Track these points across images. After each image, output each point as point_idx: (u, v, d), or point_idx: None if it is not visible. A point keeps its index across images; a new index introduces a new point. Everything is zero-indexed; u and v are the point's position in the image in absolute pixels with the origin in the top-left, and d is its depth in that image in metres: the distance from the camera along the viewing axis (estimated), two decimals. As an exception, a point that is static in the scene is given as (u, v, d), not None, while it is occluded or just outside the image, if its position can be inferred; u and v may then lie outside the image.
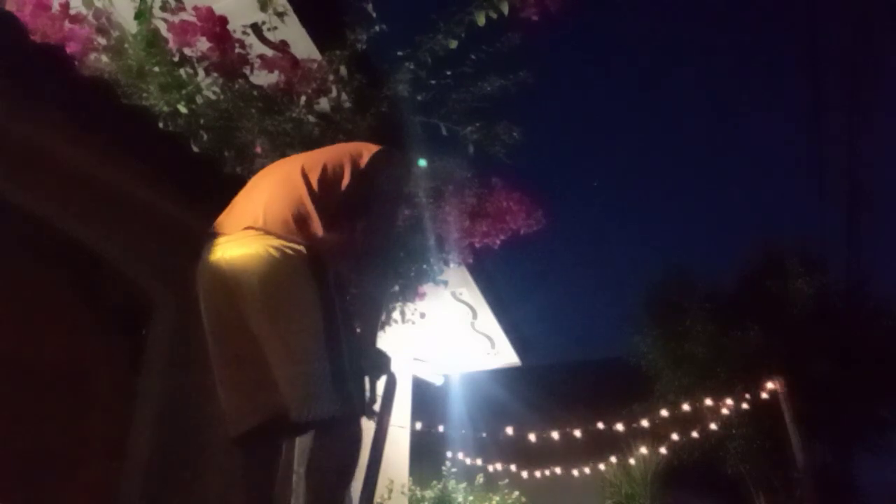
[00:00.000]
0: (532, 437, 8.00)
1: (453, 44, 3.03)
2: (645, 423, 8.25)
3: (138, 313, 2.42)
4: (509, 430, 8.02)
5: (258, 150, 2.80)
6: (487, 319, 6.37)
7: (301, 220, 1.71)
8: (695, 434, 8.55)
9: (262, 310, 1.65)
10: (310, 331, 1.62)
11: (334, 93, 3.01)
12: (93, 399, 2.21)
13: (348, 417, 1.64)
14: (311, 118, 2.97)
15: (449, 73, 3.16)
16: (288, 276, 1.65)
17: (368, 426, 1.77)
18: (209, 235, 1.80)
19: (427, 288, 3.71)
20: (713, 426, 8.47)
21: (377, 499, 3.76)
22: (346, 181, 1.84)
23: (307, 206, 1.74)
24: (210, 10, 2.65)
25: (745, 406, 8.00)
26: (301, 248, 1.67)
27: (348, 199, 1.84)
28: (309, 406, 1.58)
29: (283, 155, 2.56)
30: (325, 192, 1.80)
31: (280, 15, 2.94)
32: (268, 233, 1.68)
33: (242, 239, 1.69)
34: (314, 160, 1.89)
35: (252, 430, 1.72)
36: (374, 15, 3.08)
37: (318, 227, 1.73)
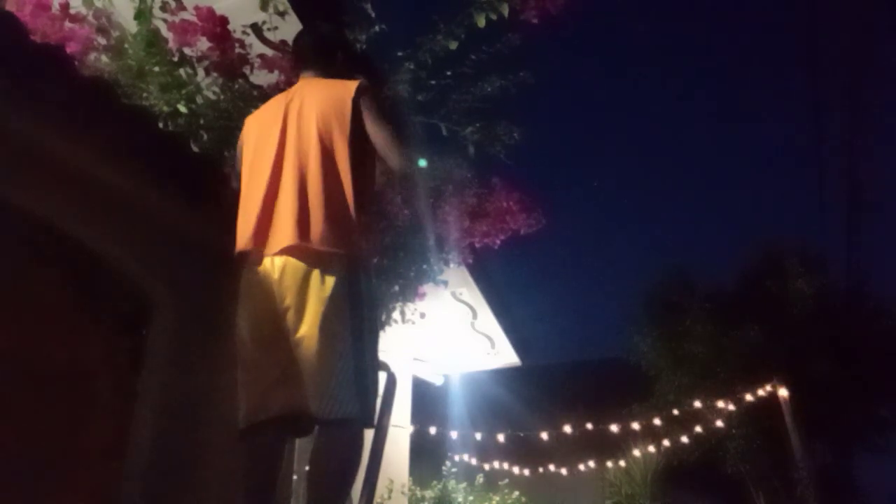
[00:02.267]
0: (532, 437, 8.01)
1: (453, 44, 3.02)
2: (645, 422, 8.25)
3: (138, 313, 2.42)
4: (509, 430, 8.02)
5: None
6: (487, 319, 6.37)
7: (341, 230, 1.80)
8: (695, 434, 8.55)
9: (301, 313, 1.74)
10: (341, 337, 1.71)
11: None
12: (93, 399, 2.21)
13: (363, 421, 1.71)
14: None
15: (449, 73, 3.16)
16: (328, 285, 1.74)
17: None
18: (243, 238, 1.89)
19: (427, 288, 3.71)
20: (713, 426, 8.47)
21: (377, 499, 3.76)
22: (349, 158, 1.88)
23: (344, 215, 1.82)
24: (210, 11, 2.65)
25: (745, 406, 8.00)
26: (343, 259, 1.78)
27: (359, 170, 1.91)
28: (330, 404, 1.65)
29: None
30: (351, 187, 1.86)
31: (281, 14, 2.94)
32: (313, 245, 1.77)
33: (288, 250, 1.79)
34: (315, 147, 1.90)
35: (265, 422, 1.76)
36: (374, 15, 3.08)
37: (357, 235, 1.82)
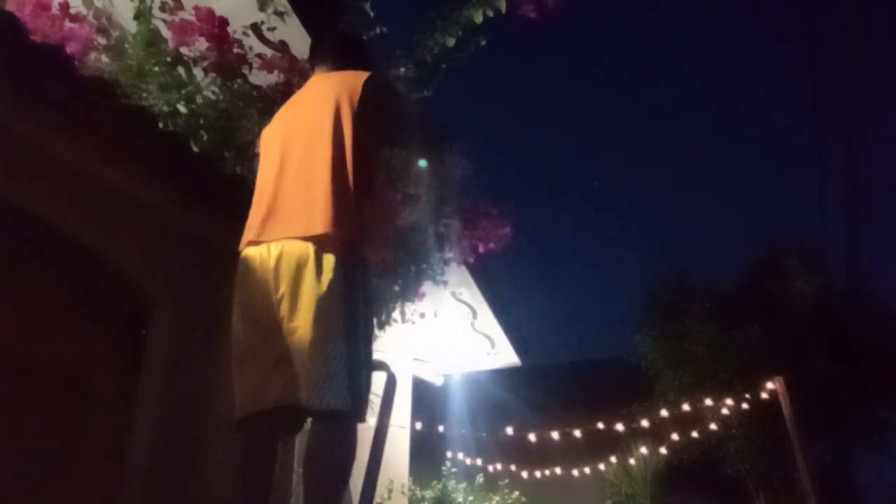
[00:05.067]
0: (532, 437, 7.99)
1: (451, 41, 3.03)
2: (645, 423, 8.25)
3: (138, 313, 2.42)
4: (509, 430, 8.01)
5: (258, 149, 2.80)
6: (487, 319, 6.36)
7: (340, 220, 1.76)
8: (695, 434, 8.54)
9: (295, 302, 1.73)
10: (335, 328, 1.69)
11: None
12: (93, 399, 2.21)
13: (354, 415, 1.69)
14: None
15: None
16: (324, 275, 1.72)
17: (369, 426, 1.77)
18: (250, 231, 1.88)
19: (427, 288, 3.71)
20: (713, 426, 8.47)
21: (377, 499, 3.76)
22: (355, 143, 1.88)
23: (344, 204, 1.79)
24: (210, 11, 2.65)
25: (745, 406, 8.00)
26: (339, 249, 1.75)
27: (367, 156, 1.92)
28: (320, 395, 1.64)
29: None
30: (356, 178, 1.84)
31: (280, 14, 2.94)
32: (311, 232, 1.75)
33: (284, 240, 1.78)
34: (322, 137, 1.88)
35: (261, 413, 1.75)
36: (373, 15, 3.08)
37: (356, 225, 1.80)
